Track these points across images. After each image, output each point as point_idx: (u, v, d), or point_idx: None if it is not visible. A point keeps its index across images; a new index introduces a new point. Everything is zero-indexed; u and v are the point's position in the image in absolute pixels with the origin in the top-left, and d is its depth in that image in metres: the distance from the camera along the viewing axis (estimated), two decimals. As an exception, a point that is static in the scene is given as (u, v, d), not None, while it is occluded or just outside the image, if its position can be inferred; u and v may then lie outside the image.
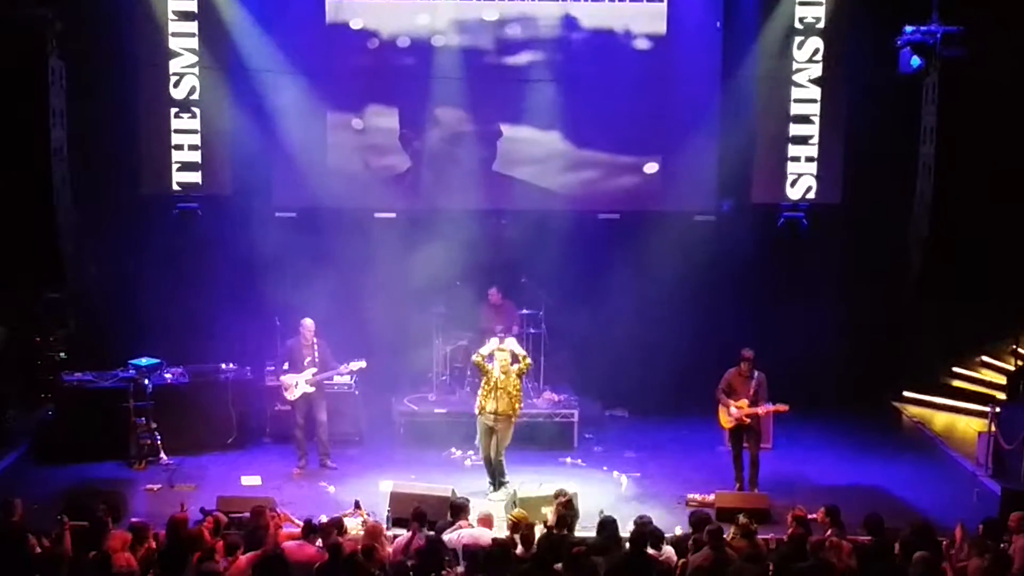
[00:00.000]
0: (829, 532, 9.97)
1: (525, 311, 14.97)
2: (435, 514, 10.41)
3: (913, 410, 16.08)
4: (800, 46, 15.24)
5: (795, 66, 15.29)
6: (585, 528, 10.61)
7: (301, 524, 10.00)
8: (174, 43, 15.00)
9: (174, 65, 15.04)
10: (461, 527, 10.10)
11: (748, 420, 12.50)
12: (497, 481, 12.51)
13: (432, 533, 9.80)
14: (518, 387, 12.60)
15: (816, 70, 15.26)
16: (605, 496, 12.39)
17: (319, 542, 9.87)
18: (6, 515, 9.93)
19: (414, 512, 9.99)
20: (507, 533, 10.00)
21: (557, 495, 10.70)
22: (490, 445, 12.50)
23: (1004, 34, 12.98)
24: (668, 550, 9.68)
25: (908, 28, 13.07)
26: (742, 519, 9.94)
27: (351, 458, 13.79)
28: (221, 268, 15.11)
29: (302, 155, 15.45)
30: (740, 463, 12.68)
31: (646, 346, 15.10)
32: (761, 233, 15.60)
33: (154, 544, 9.73)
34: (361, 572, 8.94)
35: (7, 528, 9.67)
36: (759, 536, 10.06)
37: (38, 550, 9.45)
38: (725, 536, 9.58)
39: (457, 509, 10.39)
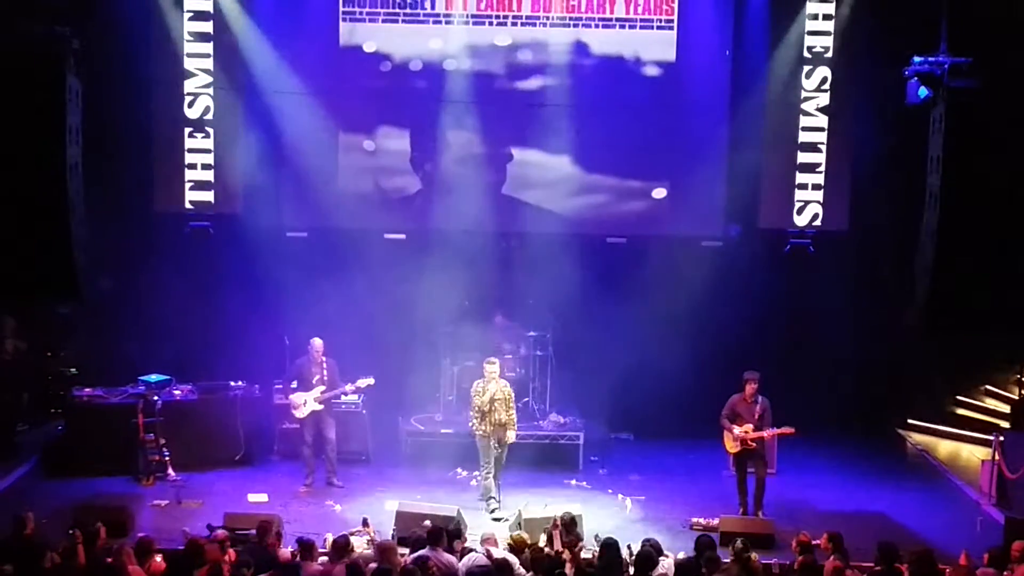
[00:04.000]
0: (832, 558, 10.02)
1: (532, 333, 15.06)
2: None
3: (917, 438, 16.11)
4: (809, 75, 15.36)
5: (803, 94, 15.39)
6: (587, 550, 10.66)
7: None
8: (189, 63, 15.15)
9: (189, 85, 15.18)
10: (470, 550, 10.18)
11: (754, 444, 12.56)
12: (496, 499, 12.65)
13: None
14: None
15: (824, 99, 15.38)
16: (610, 519, 12.45)
17: (322, 559, 9.96)
18: (18, 529, 10.03)
19: (430, 531, 10.06)
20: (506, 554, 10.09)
21: (561, 519, 10.74)
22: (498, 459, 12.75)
23: (1012, 65, 13.06)
24: (667, 563, 9.73)
25: (916, 58, 13.16)
26: (737, 544, 9.99)
27: (358, 477, 13.86)
28: (232, 286, 15.22)
29: (313, 176, 15.55)
30: (744, 488, 12.74)
31: (652, 370, 15.12)
32: (768, 259, 15.68)
33: (160, 560, 9.82)
34: None
35: (21, 542, 9.77)
36: (763, 561, 10.11)
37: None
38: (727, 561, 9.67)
39: (453, 535, 10.46)
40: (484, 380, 12.86)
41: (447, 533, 10.36)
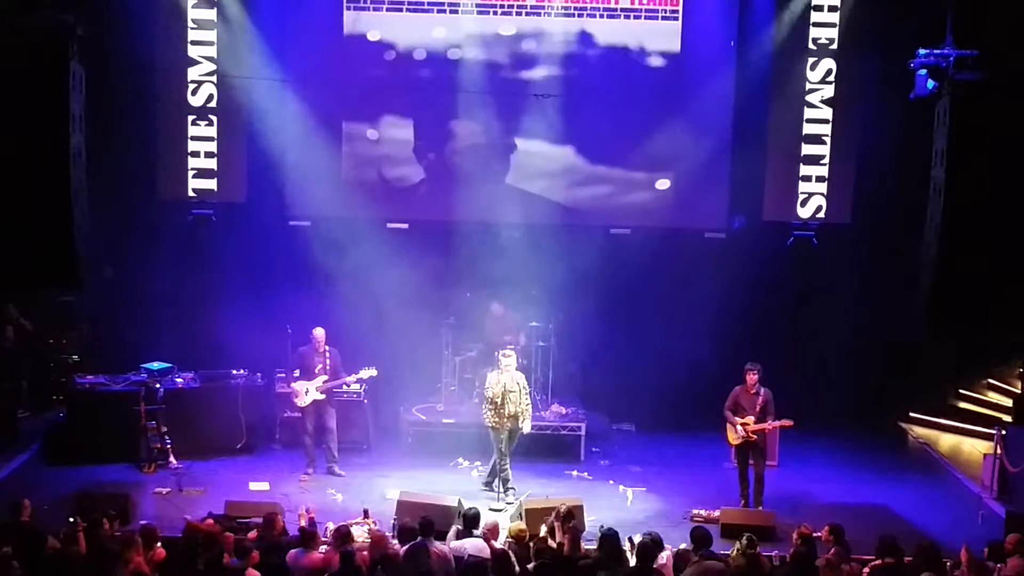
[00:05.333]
0: (832, 551, 10.03)
1: (534, 324, 15.06)
2: (440, 524, 10.49)
3: (919, 431, 16.11)
4: (813, 67, 15.32)
5: (808, 86, 15.36)
6: (588, 541, 10.67)
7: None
8: (193, 51, 15.13)
9: (192, 73, 15.16)
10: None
11: (754, 437, 12.55)
12: (506, 487, 12.65)
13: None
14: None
15: (828, 91, 15.34)
16: (611, 510, 12.47)
17: (323, 548, 9.97)
18: (15, 515, 10.06)
19: (422, 521, 10.07)
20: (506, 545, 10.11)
21: (560, 512, 10.74)
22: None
23: (1017, 59, 13.02)
24: (666, 553, 9.74)
25: (921, 51, 13.15)
26: (743, 540, 9.92)
27: (359, 466, 13.89)
28: (234, 275, 15.21)
29: (317, 164, 15.55)
30: (745, 480, 12.75)
31: (654, 361, 15.15)
32: (771, 251, 15.66)
33: (161, 547, 9.84)
34: None
35: (18, 528, 9.79)
36: (764, 553, 10.10)
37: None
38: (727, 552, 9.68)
39: (471, 520, 10.47)
40: (499, 371, 12.82)
41: (466, 519, 10.38)
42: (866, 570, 9.76)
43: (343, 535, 9.85)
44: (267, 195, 15.49)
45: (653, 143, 15.65)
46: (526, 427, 12.94)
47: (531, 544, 10.08)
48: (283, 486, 13.01)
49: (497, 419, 12.69)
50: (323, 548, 10.03)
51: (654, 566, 9.54)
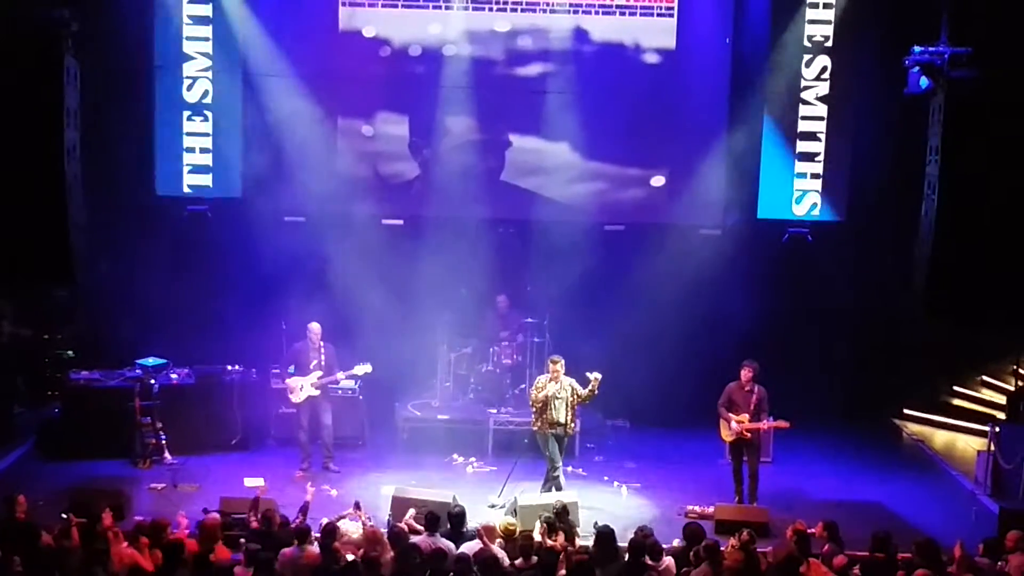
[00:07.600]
0: (826, 547, 10.05)
1: (529, 320, 15.07)
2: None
3: (913, 427, 16.15)
4: (808, 64, 15.30)
5: (803, 83, 15.34)
6: (583, 538, 10.68)
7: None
8: (188, 47, 15.09)
9: (188, 69, 15.13)
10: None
11: (749, 435, 12.56)
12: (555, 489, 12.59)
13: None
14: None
15: (824, 88, 15.33)
16: (605, 506, 12.47)
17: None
18: (9, 511, 10.06)
19: (428, 516, 10.09)
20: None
21: (554, 511, 10.74)
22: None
23: (1012, 56, 13.05)
24: (667, 560, 9.74)
25: (916, 48, 13.19)
26: (745, 534, 9.95)
27: (354, 462, 13.89)
28: (229, 271, 15.20)
29: (311, 160, 15.51)
30: (740, 476, 12.76)
31: (648, 357, 15.14)
32: (766, 248, 15.66)
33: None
34: None
35: (16, 523, 9.80)
36: (759, 550, 10.11)
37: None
38: (722, 549, 9.66)
39: (456, 519, 10.49)
40: (547, 377, 12.72)
41: (451, 517, 10.39)
42: (856, 570, 9.76)
43: (328, 531, 9.85)
44: (262, 191, 15.44)
45: (648, 140, 15.66)
46: (571, 429, 12.71)
47: (519, 540, 10.08)
48: (278, 482, 12.97)
49: (540, 424, 12.60)
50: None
51: (657, 571, 9.53)
